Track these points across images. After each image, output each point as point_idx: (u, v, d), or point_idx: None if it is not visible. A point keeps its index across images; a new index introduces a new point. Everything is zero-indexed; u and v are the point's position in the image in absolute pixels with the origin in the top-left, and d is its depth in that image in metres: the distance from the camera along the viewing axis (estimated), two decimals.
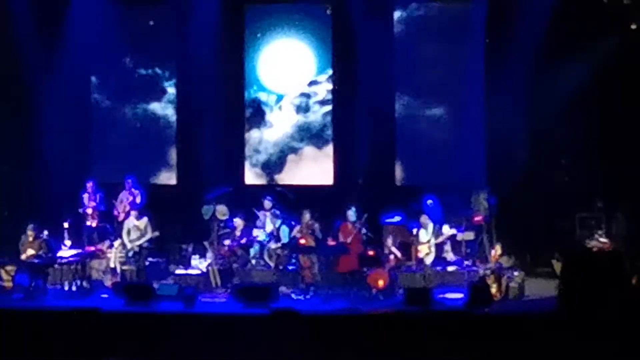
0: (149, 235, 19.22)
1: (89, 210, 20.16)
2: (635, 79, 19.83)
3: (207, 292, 18.68)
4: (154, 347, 14.35)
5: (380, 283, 18.21)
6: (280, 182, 21.68)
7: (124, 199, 20.34)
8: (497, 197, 20.14)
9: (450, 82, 21.49)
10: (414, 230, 19.49)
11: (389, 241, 19.13)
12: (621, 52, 19.86)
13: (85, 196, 20.27)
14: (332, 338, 14.18)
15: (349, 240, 18.74)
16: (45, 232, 18.73)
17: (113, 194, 20.45)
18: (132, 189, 20.36)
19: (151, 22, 21.84)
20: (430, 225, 19.19)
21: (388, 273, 18.40)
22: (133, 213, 19.50)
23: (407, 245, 19.74)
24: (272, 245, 19.72)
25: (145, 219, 19.40)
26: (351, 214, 19.03)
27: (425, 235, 19.15)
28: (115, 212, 20.24)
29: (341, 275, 18.80)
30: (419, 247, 19.16)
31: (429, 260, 19.00)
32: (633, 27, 20.12)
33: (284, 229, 19.79)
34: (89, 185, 20.32)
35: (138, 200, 20.21)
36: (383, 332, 14.50)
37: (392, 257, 18.93)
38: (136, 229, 19.27)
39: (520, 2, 20.37)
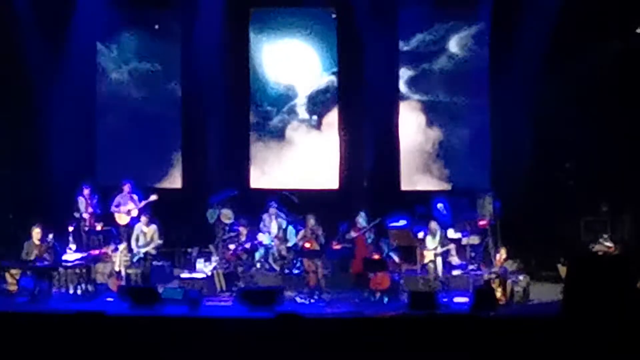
0: (155, 244, 19.23)
1: (86, 215, 20.09)
2: None
3: (212, 295, 18.67)
4: (159, 350, 14.35)
5: (384, 285, 18.21)
6: (285, 186, 21.65)
7: (122, 203, 20.26)
8: (501, 201, 20.11)
9: (454, 86, 21.49)
10: (420, 234, 19.48)
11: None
12: (626, 55, 19.84)
13: (81, 200, 20.18)
14: (336, 342, 14.17)
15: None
16: (51, 236, 18.71)
17: (113, 197, 20.38)
18: (132, 194, 20.30)
19: (156, 26, 21.84)
20: (439, 233, 19.14)
21: (390, 276, 18.39)
22: (143, 219, 19.49)
23: (411, 249, 19.75)
24: (278, 247, 19.72)
25: (153, 226, 19.40)
26: (361, 220, 19.07)
27: (432, 242, 19.10)
28: (125, 213, 20.12)
29: (346, 279, 18.81)
30: (425, 253, 19.13)
31: (433, 266, 18.94)
32: (638, 31, 20.10)
33: (291, 230, 19.83)
34: (86, 190, 20.23)
35: (141, 205, 20.15)
36: (388, 336, 14.49)
37: (391, 260, 18.94)
38: (143, 235, 19.28)
39: (524, 6, 20.35)
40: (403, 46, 21.69)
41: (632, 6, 19.82)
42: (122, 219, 20.15)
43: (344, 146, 21.86)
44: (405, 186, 21.72)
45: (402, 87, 21.77)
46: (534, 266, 19.84)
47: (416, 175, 21.73)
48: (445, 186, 21.40)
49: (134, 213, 19.98)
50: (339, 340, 14.36)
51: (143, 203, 20.13)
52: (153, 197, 20.14)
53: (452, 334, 14.50)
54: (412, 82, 21.76)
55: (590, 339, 12.16)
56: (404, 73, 21.74)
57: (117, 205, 20.30)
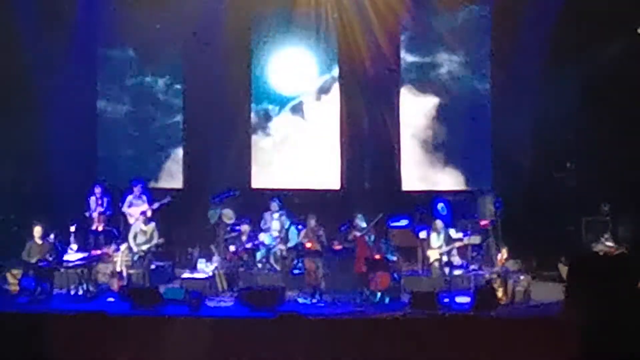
0: (155, 241, 19.25)
1: (95, 215, 20.17)
2: None
3: (213, 295, 18.67)
4: (160, 350, 14.37)
5: (383, 284, 18.23)
6: (287, 186, 21.66)
7: (134, 204, 20.35)
8: (503, 201, 20.12)
9: (456, 86, 21.49)
10: (422, 233, 19.48)
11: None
12: (627, 56, 19.84)
13: (92, 200, 20.29)
14: (337, 342, 14.19)
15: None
16: (52, 236, 18.72)
17: (119, 198, 20.45)
18: (142, 195, 20.40)
19: (157, 26, 21.81)
20: (443, 231, 19.13)
21: (391, 276, 18.40)
22: (141, 217, 19.54)
23: (413, 249, 19.76)
24: (279, 247, 19.74)
25: (152, 224, 19.44)
26: (359, 221, 19.09)
27: (436, 240, 19.09)
28: (139, 214, 20.11)
29: (347, 279, 18.82)
30: (429, 253, 19.12)
31: (438, 265, 18.93)
32: (639, 31, 20.11)
33: (293, 231, 19.83)
34: (97, 190, 20.33)
35: (154, 206, 20.24)
36: (389, 335, 14.51)
37: (392, 259, 18.96)
38: (143, 233, 19.29)
39: (525, 6, 20.36)
40: (404, 39, 21.69)
41: (632, 6, 19.81)
42: (134, 220, 20.16)
43: (345, 146, 21.84)
44: (406, 186, 21.71)
45: (403, 87, 21.77)
46: (535, 266, 19.83)
47: (417, 176, 21.72)
48: (447, 186, 21.39)
49: (149, 213, 20.00)
50: (340, 340, 14.38)
51: (157, 204, 20.22)
52: (166, 199, 20.25)
53: (453, 334, 14.53)
54: (412, 81, 21.76)
55: (591, 339, 12.16)
56: (404, 71, 21.73)
57: (130, 206, 20.40)
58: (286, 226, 19.96)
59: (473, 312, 16.81)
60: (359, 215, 19.24)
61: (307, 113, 22.09)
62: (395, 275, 18.64)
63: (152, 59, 22.08)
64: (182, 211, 21.00)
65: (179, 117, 22.22)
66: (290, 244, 19.71)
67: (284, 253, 19.69)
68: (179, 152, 22.21)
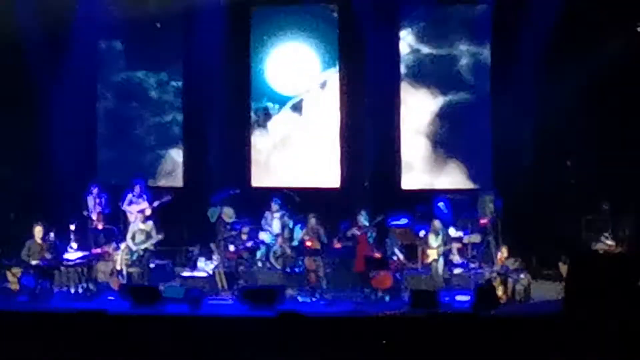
0: (154, 239, 19.23)
1: (95, 214, 20.16)
2: None
3: (213, 294, 18.69)
4: (160, 349, 14.37)
5: (386, 284, 18.23)
6: (287, 185, 21.65)
7: (134, 202, 20.37)
8: (503, 199, 20.11)
9: (456, 85, 21.48)
10: (422, 233, 19.47)
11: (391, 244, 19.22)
12: (627, 53, 19.84)
13: (90, 199, 20.27)
14: (338, 340, 14.18)
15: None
16: (52, 235, 18.72)
17: (119, 196, 20.46)
18: (142, 194, 20.42)
19: (158, 25, 21.80)
20: (442, 232, 19.10)
21: (393, 275, 18.40)
22: (139, 216, 19.53)
23: (413, 248, 19.76)
24: (281, 246, 19.72)
25: (150, 223, 19.41)
26: (362, 218, 19.08)
27: (434, 240, 19.08)
28: (138, 212, 20.10)
29: (347, 277, 18.83)
30: (428, 252, 19.12)
31: (436, 265, 18.93)
32: (639, 29, 20.10)
33: (297, 230, 19.80)
34: (94, 189, 20.32)
35: (155, 205, 20.26)
36: (389, 334, 14.50)
37: (395, 258, 18.95)
38: (142, 232, 19.27)
39: (525, 4, 20.35)
40: (404, 37, 21.68)
41: (633, 5, 19.81)
42: (133, 218, 20.17)
43: (345, 145, 21.84)
44: (406, 185, 21.71)
45: (404, 85, 21.75)
46: (535, 265, 19.81)
47: (417, 174, 21.72)
48: (447, 185, 21.39)
49: (148, 212, 20.01)
50: (340, 339, 14.37)
51: (157, 203, 20.25)
52: (166, 198, 20.27)
53: (453, 332, 14.52)
54: (413, 79, 21.75)
55: (591, 338, 12.18)
56: (405, 69, 21.72)
57: (130, 204, 20.41)
58: (290, 225, 19.95)
59: (473, 311, 16.80)
60: (363, 212, 19.23)
61: (307, 111, 22.08)
62: (397, 274, 18.66)
63: (152, 57, 22.08)
64: (182, 210, 21.00)
65: (178, 116, 22.23)
66: (294, 243, 19.71)
67: (287, 252, 19.68)
68: (179, 150, 22.21)
